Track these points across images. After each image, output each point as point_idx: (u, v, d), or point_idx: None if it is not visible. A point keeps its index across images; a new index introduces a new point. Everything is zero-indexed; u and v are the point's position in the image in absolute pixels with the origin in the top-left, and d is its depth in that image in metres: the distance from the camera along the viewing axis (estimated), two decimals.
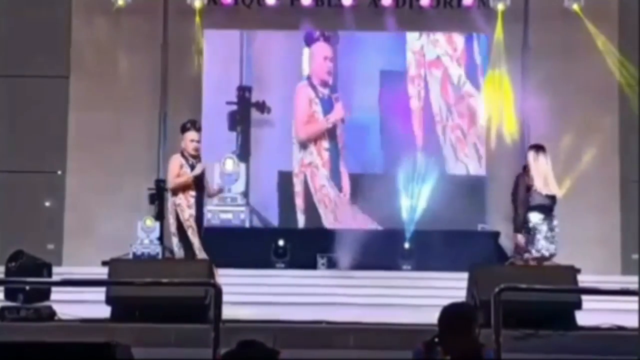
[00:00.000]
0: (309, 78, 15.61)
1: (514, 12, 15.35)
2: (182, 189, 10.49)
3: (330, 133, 15.51)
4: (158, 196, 14.20)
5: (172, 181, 10.61)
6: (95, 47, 15.34)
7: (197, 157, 10.59)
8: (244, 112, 15.72)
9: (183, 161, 10.54)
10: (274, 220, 15.54)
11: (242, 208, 14.89)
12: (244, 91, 15.75)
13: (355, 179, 15.39)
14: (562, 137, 14.85)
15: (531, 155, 10.52)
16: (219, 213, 14.71)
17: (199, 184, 10.54)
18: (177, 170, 10.52)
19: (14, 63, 15.36)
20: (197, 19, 15.36)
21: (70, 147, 15.49)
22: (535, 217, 10.26)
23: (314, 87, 15.54)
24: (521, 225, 10.40)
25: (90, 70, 15.35)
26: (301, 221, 15.42)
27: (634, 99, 14.93)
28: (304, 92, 15.54)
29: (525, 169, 10.62)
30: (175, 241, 10.49)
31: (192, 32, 15.33)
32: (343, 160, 15.50)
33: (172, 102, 15.27)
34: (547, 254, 10.31)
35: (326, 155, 15.45)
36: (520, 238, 10.47)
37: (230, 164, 14.87)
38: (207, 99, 15.64)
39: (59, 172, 15.51)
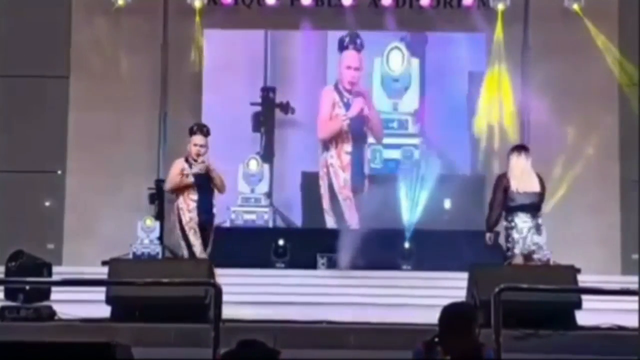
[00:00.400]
0: (335, 82, 15.49)
1: (514, 12, 15.36)
2: (183, 191, 10.36)
3: (354, 136, 15.30)
4: (158, 196, 14.25)
5: (169, 181, 10.53)
6: (95, 47, 15.34)
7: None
8: (268, 113, 15.69)
9: (185, 165, 10.37)
10: (298, 221, 15.52)
11: (266, 209, 14.94)
12: (267, 92, 15.72)
13: (380, 179, 15.26)
14: (562, 137, 14.87)
15: (513, 156, 10.46)
16: (242, 214, 14.77)
17: (202, 186, 10.36)
18: (176, 173, 10.44)
19: (14, 63, 15.36)
20: (197, 18, 15.38)
21: (70, 147, 15.49)
22: (517, 218, 10.23)
23: (339, 92, 15.43)
24: (492, 226, 10.41)
25: (90, 70, 15.35)
26: (329, 222, 15.25)
27: (634, 99, 14.94)
28: (329, 95, 15.40)
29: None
30: (183, 244, 10.42)
31: (192, 32, 15.34)
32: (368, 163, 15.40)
33: (172, 102, 15.29)
34: (521, 251, 10.25)
35: (347, 158, 15.28)
36: (489, 238, 10.47)
37: (254, 165, 14.94)
38: (207, 98, 15.63)
39: (59, 172, 15.52)
